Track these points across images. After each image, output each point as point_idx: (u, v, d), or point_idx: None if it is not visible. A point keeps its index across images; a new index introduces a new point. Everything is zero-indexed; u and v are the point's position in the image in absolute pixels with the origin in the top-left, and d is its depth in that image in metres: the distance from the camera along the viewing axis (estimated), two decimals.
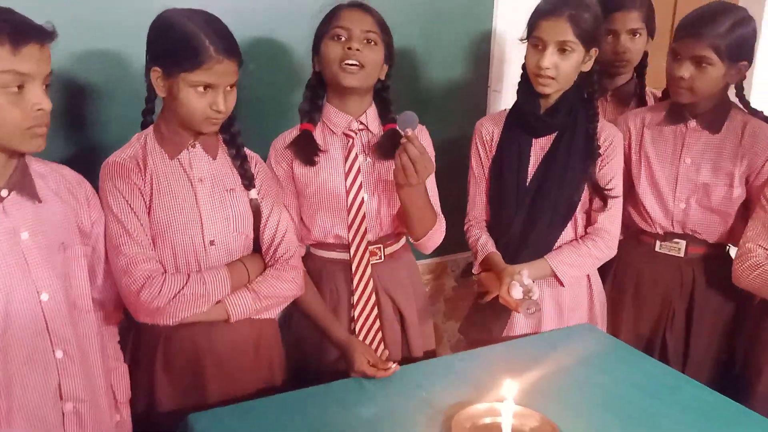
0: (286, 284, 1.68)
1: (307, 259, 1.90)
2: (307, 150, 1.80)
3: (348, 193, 1.81)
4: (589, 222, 1.97)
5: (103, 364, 1.50)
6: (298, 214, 1.87)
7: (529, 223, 1.93)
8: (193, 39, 1.48)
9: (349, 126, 1.83)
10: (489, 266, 1.93)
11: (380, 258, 1.88)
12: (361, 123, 1.84)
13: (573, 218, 1.94)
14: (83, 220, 1.48)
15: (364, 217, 1.82)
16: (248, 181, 1.69)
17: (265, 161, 1.81)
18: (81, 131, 1.91)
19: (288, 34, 2.11)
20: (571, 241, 1.96)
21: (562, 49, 1.80)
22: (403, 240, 1.95)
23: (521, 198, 1.94)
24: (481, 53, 2.52)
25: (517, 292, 1.76)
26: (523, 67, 1.95)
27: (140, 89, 1.64)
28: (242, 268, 1.65)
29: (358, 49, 1.70)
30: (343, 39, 1.72)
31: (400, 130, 1.59)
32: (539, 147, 1.95)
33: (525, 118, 1.94)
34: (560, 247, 1.95)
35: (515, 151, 1.95)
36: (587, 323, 1.99)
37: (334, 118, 1.83)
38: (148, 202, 1.57)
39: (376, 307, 1.85)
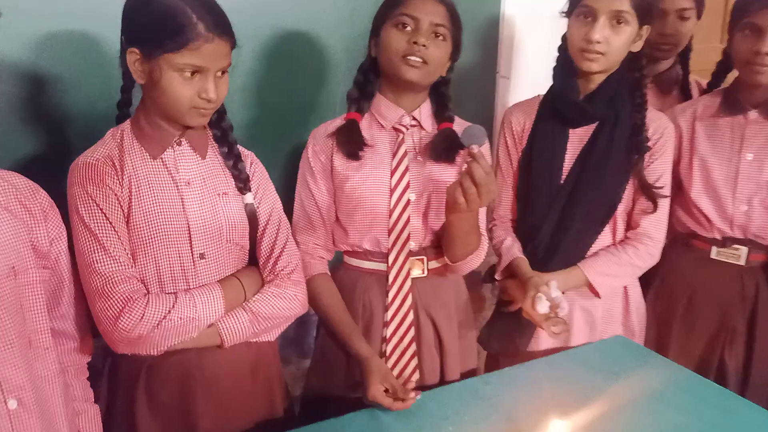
0: (287, 303, 1.46)
1: (341, 269, 1.70)
2: (351, 141, 1.60)
3: (393, 191, 1.59)
4: (629, 225, 1.76)
5: (67, 410, 1.28)
6: (331, 214, 1.66)
7: (561, 225, 1.72)
8: (177, 13, 1.26)
9: (400, 120, 1.62)
10: (514, 272, 1.73)
11: (423, 272, 1.65)
12: (414, 119, 1.63)
13: (612, 221, 1.73)
14: (39, 238, 1.24)
15: (408, 221, 1.60)
16: (243, 184, 1.47)
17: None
18: (42, 128, 1.65)
19: (315, 24, 1.93)
20: (609, 246, 1.75)
21: (617, 19, 1.59)
22: None
23: (554, 196, 1.72)
24: (488, 37, 2.37)
25: (542, 307, 1.56)
26: (559, 48, 1.74)
27: (115, 77, 1.41)
28: (237, 285, 1.42)
29: (424, 45, 1.50)
30: (408, 29, 1.52)
31: (465, 146, 1.37)
32: (577, 139, 1.74)
33: (561, 105, 1.72)
34: (596, 253, 1.74)
35: (549, 144, 1.74)
36: (621, 336, 1.78)
37: (384, 111, 1.63)
38: (126, 210, 1.33)
39: (412, 328, 1.63)
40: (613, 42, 1.61)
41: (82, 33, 1.64)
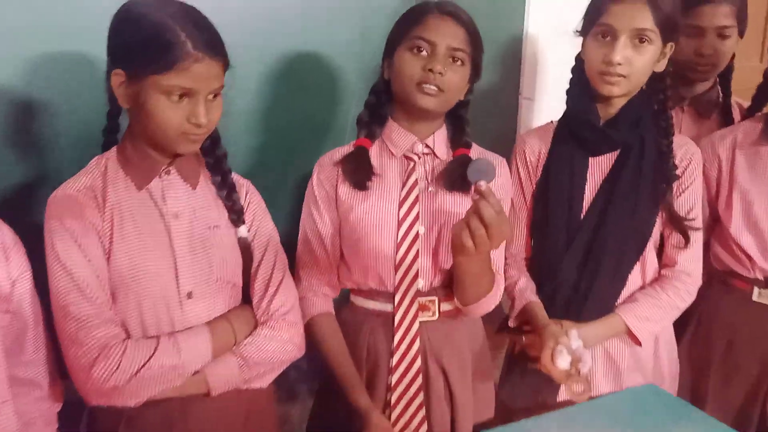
0: (280, 346, 1.34)
1: (346, 308, 1.57)
2: (358, 170, 1.49)
3: (401, 223, 1.46)
4: (662, 262, 1.61)
5: None
6: (336, 248, 1.53)
7: (587, 267, 1.56)
8: (164, 31, 1.16)
9: (412, 148, 1.50)
10: (528, 318, 1.58)
11: (433, 314, 1.51)
12: (427, 146, 1.51)
13: (641, 258, 1.58)
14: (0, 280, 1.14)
15: (416, 256, 1.46)
16: (236, 216, 1.36)
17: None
18: (32, 155, 1.53)
19: (325, 44, 1.81)
20: (642, 287, 1.60)
21: (639, 38, 1.46)
22: None
23: (575, 232, 1.57)
24: (510, 55, 2.21)
25: (563, 361, 1.41)
26: (574, 69, 1.61)
27: (102, 100, 1.32)
28: (227, 328, 1.31)
29: (440, 72, 1.39)
30: (424, 53, 1.41)
31: (471, 182, 1.22)
32: (598, 168, 1.59)
33: (581, 130, 1.58)
34: (633, 296, 1.59)
35: (567, 173, 1.60)
36: (653, 384, 1.63)
37: (395, 138, 1.51)
38: (107, 246, 1.23)
39: (420, 376, 1.49)
40: (636, 63, 1.47)
41: (76, 54, 1.53)
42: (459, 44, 1.40)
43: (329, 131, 1.85)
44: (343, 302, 1.59)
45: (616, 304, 1.57)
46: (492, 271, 1.44)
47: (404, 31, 1.43)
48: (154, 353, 1.19)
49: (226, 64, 1.24)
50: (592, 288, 1.55)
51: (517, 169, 1.69)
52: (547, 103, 2.31)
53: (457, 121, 1.54)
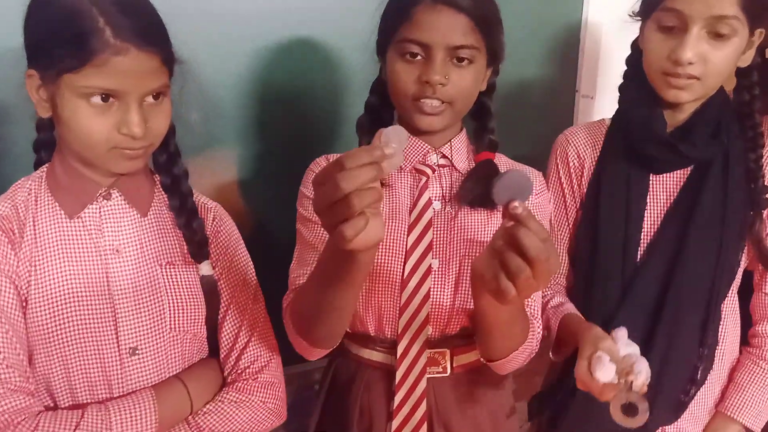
0: (251, 414, 1.06)
1: (339, 356, 1.27)
2: None
3: (409, 255, 1.15)
4: (753, 314, 1.24)
5: None
6: None
7: (655, 330, 1.20)
8: (77, 16, 0.91)
9: (424, 159, 1.18)
10: (567, 336, 1.22)
11: (443, 370, 1.19)
12: (443, 156, 1.20)
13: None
14: None
15: (427, 296, 1.15)
16: (198, 249, 1.09)
17: None
18: None
19: (333, 32, 1.53)
20: (745, 365, 1.25)
21: (716, 31, 1.11)
22: None
23: (632, 277, 1.23)
24: (567, 49, 1.94)
25: (605, 372, 1.05)
26: (629, 60, 1.28)
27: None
28: (181, 391, 1.04)
29: (442, 83, 1.08)
30: (419, 58, 1.09)
31: (498, 203, 0.84)
32: (662, 188, 1.25)
33: (640, 142, 1.23)
34: (735, 384, 1.26)
35: (621, 193, 1.26)
36: None
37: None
38: (24, 293, 0.98)
39: None
40: (713, 61, 1.12)
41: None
42: (462, 39, 1.07)
43: (337, 136, 1.57)
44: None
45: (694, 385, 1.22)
46: (526, 314, 1.10)
47: (390, 29, 1.11)
48: (75, 429, 0.93)
49: (165, 57, 0.97)
50: (668, 360, 1.19)
51: (558, 174, 1.36)
52: (609, 101, 1.98)
53: (479, 113, 1.21)
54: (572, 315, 1.25)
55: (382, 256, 1.15)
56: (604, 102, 2.00)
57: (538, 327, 1.15)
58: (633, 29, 1.88)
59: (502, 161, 1.23)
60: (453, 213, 1.17)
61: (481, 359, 1.13)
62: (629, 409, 1.04)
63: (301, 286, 1.03)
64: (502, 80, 1.81)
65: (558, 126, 1.99)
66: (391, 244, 1.15)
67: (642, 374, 1.04)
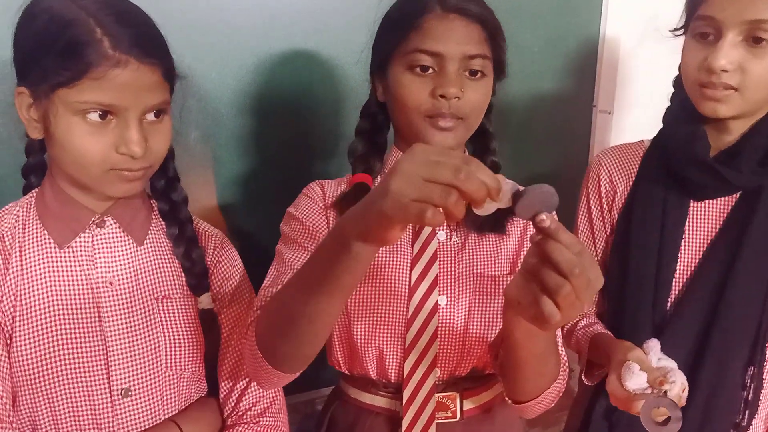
0: None
1: (336, 401, 1.18)
2: None
3: (413, 291, 1.06)
4: None
5: None
6: None
7: (688, 356, 1.12)
8: (72, 26, 0.84)
9: None
10: (598, 354, 1.16)
11: (453, 415, 1.10)
12: None
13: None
14: None
15: (434, 336, 1.06)
16: (197, 281, 1.01)
17: None
18: None
19: (333, 46, 1.45)
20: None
21: (755, 36, 1.03)
22: (500, 386, 1.13)
23: (664, 303, 1.15)
24: (584, 63, 1.86)
25: (634, 381, 0.99)
26: (676, 82, 1.20)
27: None
28: None
29: (458, 97, 0.99)
30: (430, 71, 1.00)
31: (524, 218, 0.74)
32: (704, 216, 1.16)
33: (680, 165, 1.15)
34: None
35: (656, 218, 1.17)
36: None
37: None
38: (9, 328, 0.90)
39: None
40: (752, 69, 1.04)
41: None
42: (476, 49, 0.99)
43: (336, 154, 1.49)
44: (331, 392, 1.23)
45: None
46: (557, 348, 1.02)
47: (397, 41, 1.02)
48: None
49: (166, 71, 0.90)
50: (711, 408, 1.11)
51: (588, 201, 1.28)
52: (629, 117, 1.95)
53: (478, 134, 1.12)
54: (603, 334, 1.18)
55: (383, 293, 1.06)
56: (623, 118, 1.94)
57: (565, 363, 1.06)
58: (652, 43, 1.82)
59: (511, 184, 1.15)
60: (460, 243, 1.09)
61: (508, 401, 1.04)
62: (658, 420, 0.98)
63: (278, 292, 0.91)
64: (517, 94, 1.75)
65: (575, 142, 1.94)
66: (393, 280, 1.06)
67: (678, 384, 0.98)
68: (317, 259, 0.80)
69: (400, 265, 1.06)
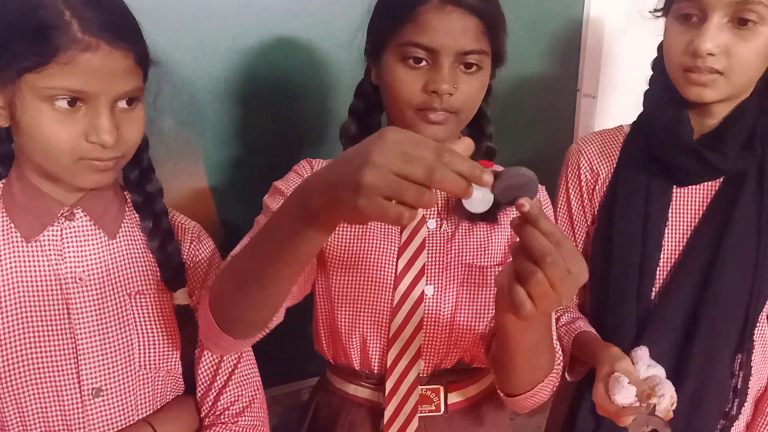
0: None
1: (321, 391, 1.16)
2: None
3: (399, 280, 1.04)
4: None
5: None
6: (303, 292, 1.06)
7: (674, 345, 1.11)
8: (39, 8, 0.80)
9: None
10: (582, 354, 1.13)
11: (437, 409, 1.08)
12: None
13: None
14: None
15: (419, 327, 1.03)
16: (173, 275, 0.97)
17: None
18: None
19: (320, 31, 1.40)
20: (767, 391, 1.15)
21: (741, 18, 1.00)
22: (487, 380, 1.13)
23: (648, 293, 1.13)
24: (568, 46, 1.84)
25: (623, 394, 0.97)
26: (655, 64, 1.18)
27: None
28: None
29: (450, 93, 0.95)
30: (423, 64, 0.96)
31: (504, 202, 0.72)
32: (687, 202, 1.14)
33: (663, 150, 1.13)
34: (765, 413, 1.15)
35: (638, 206, 1.15)
36: None
37: None
38: None
39: None
40: (738, 53, 1.01)
41: None
42: (472, 44, 0.95)
43: (321, 140, 1.45)
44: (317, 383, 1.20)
45: (728, 421, 1.12)
46: (552, 341, 0.99)
47: (391, 30, 0.98)
48: None
49: (140, 57, 0.86)
50: (700, 399, 1.09)
51: (567, 190, 1.25)
52: (614, 101, 1.94)
53: (475, 118, 1.08)
54: (586, 332, 1.15)
55: (368, 280, 1.04)
56: (607, 102, 1.92)
57: (560, 357, 1.04)
58: (637, 26, 1.79)
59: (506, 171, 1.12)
60: (450, 233, 1.06)
61: (500, 394, 1.02)
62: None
63: (235, 255, 0.88)
64: (499, 79, 1.69)
65: (559, 127, 1.91)
66: (379, 268, 1.04)
67: (666, 398, 0.96)
68: (276, 225, 0.76)
69: (386, 252, 1.04)
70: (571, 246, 0.69)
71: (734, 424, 1.14)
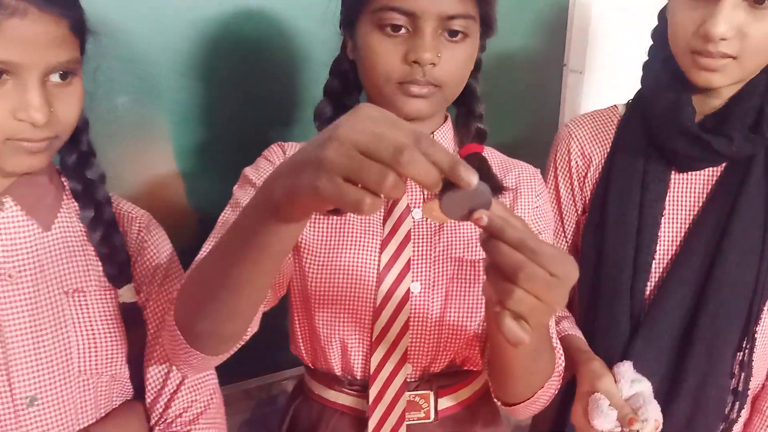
0: None
1: (299, 396, 1.07)
2: None
3: (382, 277, 0.94)
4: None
5: None
6: (276, 292, 0.97)
7: (672, 344, 1.03)
8: None
9: None
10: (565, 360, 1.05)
11: (426, 416, 0.99)
12: None
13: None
14: None
15: (405, 328, 0.94)
16: (117, 270, 0.88)
17: None
18: None
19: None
20: (764, 389, 1.08)
21: None
22: (481, 380, 1.04)
23: (643, 288, 1.05)
24: (554, 20, 1.77)
25: (603, 420, 0.90)
26: (655, 33, 1.09)
27: None
28: None
29: (433, 63, 0.85)
30: (402, 32, 0.86)
31: (455, 219, 0.61)
32: (686, 189, 1.06)
33: (663, 133, 1.04)
34: (762, 412, 1.08)
35: (633, 193, 1.06)
36: None
37: None
38: None
39: None
40: (753, 35, 0.92)
41: None
42: (457, 7, 0.85)
43: (292, 121, 1.35)
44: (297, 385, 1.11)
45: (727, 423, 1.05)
46: (552, 342, 0.91)
47: None
48: None
49: (76, 25, 0.77)
50: (700, 402, 1.01)
51: (556, 177, 1.17)
52: (602, 77, 1.87)
53: (463, 97, 0.99)
54: (571, 337, 1.08)
55: (347, 277, 0.94)
56: (594, 78, 1.84)
57: (561, 357, 0.95)
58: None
59: (494, 156, 1.03)
60: (438, 224, 0.97)
61: (498, 402, 0.94)
62: None
63: (201, 260, 0.80)
64: (483, 54, 1.63)
65: (545, 104, 1.83)
66: (360, 264, 0.94)
67: (650, 422, 0.89)
68: (242, 223, 0.68)
69: (368, 246, 0.94)
70: (549, 248, 0.60)
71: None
